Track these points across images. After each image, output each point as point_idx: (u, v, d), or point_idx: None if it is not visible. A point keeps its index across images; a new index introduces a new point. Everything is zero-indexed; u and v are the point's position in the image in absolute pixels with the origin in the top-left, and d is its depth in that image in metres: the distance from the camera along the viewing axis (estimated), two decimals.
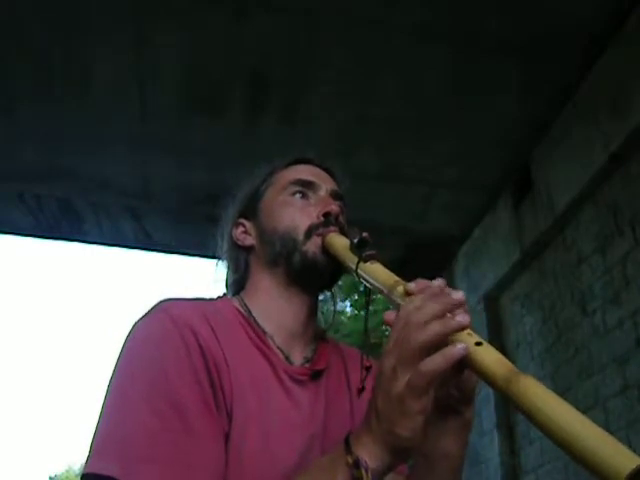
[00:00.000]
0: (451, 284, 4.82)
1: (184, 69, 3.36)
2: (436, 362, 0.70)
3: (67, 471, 28.21)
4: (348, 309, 12.22)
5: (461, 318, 0.72)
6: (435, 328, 0.71)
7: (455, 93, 3.45)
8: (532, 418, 0.62)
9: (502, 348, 4.28)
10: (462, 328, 0.71)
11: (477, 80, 3.36)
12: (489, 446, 4.15)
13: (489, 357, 0.69)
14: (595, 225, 3.39)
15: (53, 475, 29.20)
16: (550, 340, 3.79)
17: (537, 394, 0.63)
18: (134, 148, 3.88)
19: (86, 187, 4.16)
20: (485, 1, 2.96)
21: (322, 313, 1.11)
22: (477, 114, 3.58)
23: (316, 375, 0.99)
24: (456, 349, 0.69)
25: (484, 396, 4.07)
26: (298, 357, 1.00)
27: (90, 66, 3.31)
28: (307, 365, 1.00)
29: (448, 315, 0.73)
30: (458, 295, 0.75)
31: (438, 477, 0.85)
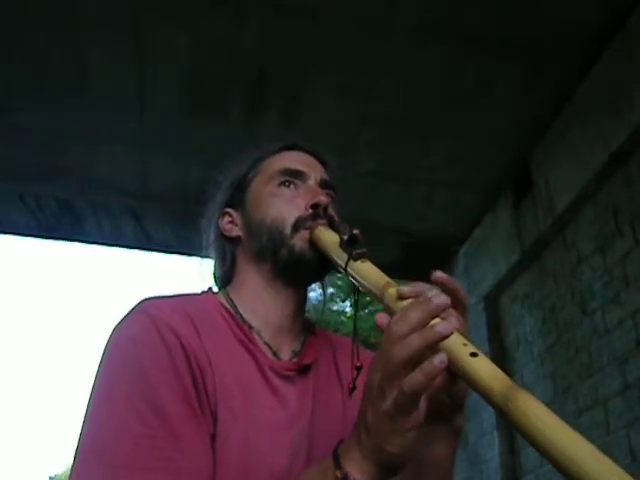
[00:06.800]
0: None
1: (184, 69, 3.35)
2: (416, 379, 0.66)
3: (67, 471, 28.21)
4: (348, 309, 12.23)
5: (442, 327, 0.67)
6: (414, 342, 0.67)
7: (455, 93, 3.45)
8: (531, 439, 0.60)
9: (502, 348, 4.28)
10: (443, 338, 0.67)
11: (477, 80, 3.36)
12: (489, 446, 4.14)
13: (484, 370, 0.66)
14: (595, 225, 3.39)
15: (53, 475, 29.20)
16: (550, 340, 3.79)
17: (537, 414, 0.60)
18: (134, 148, 3.88)
19: (86, 187, 4.16)
20: (485, 1, 2.96)
21: (321, 314, 1.10)
22: (477, 114, 3.57)
23: (304, 370, 0.97)
24: (434, 365, 0.65)
25: None
26: (286, 351, 0.97)
27: (90, 66, 3.31)
28: (295, 360, 0.97)
29: (432, 322, 0.68)
30: (439, 300, 0.69)
31: None
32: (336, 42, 3.17)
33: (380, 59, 3.26)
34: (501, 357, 4.21)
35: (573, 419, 3.32)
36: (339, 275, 0.99)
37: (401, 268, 4.53)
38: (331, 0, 2.99)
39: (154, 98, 3.52)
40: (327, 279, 1.05)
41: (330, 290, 9.74)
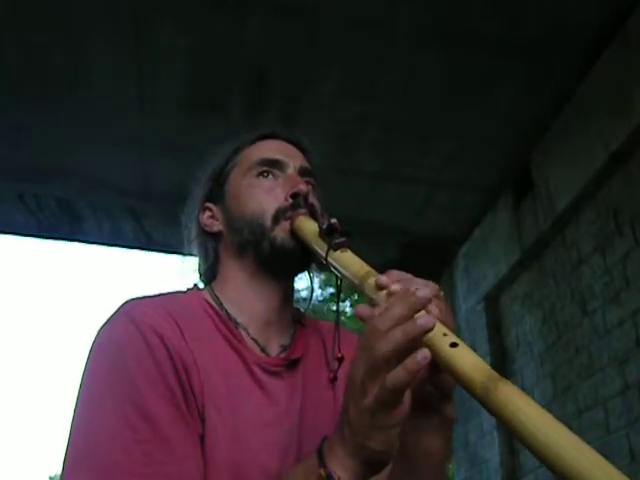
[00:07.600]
0: (451, 284, 4.82)
1: (184, 69, 3.35)
2: (399, 376, 0.65)
3: None
4: (348, 309, 12.23)
5: (424, 321, 0.65)
6: (396, 337, 0.65)
7: (455, 93, 3.45)
8: (512, 430, 0.59)
9: (502, 348, 4.28)
10: (426, 332, 0.65)
11: (477, 80, 3.36)
12: (489, 446, 4.14)
13: (465, 360, 0.64)
14: (595, 225, 3.39)
15: (53, 475, 29.20)
16: (550, 340, 3.78)
17: (518, 405, 0.59)
18: (134, 148, 3.88)
19: (86, 187, 4.16)
20: (485, 2, 2.96)
21: (314, 312, 1.08)
22: (477, 114, 3.57)
23: (293, 364, 0.95)
24: (416, 361, 0.64)
25: None
26: (275, 346, 0.96)
27: (90, 66, 3.31)
28: (283, 354, 0.95)
29: (417, 315, 0.67)
30: (423, 292, 0.68)
31: (420, 475, 0.81)
32: (336, 42, 3.17)
33: (380, 59, 3.25)
34: (501, 357, 4.21)
35: (573, 419, 3.32)
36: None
37: (401, 268, 4.52)
38: (331, 0, 2.99)
39: (154, 98, 3.52)
40: (314, 269, 1.03)
41: (330, 290, 9.74)
